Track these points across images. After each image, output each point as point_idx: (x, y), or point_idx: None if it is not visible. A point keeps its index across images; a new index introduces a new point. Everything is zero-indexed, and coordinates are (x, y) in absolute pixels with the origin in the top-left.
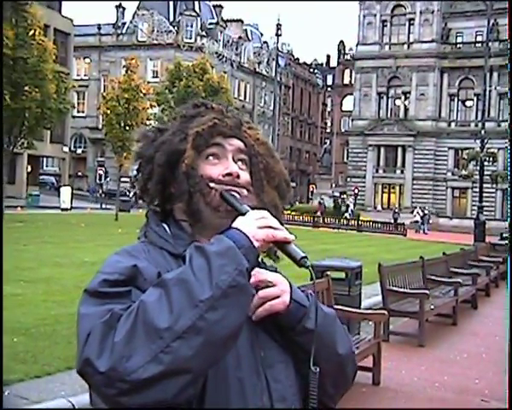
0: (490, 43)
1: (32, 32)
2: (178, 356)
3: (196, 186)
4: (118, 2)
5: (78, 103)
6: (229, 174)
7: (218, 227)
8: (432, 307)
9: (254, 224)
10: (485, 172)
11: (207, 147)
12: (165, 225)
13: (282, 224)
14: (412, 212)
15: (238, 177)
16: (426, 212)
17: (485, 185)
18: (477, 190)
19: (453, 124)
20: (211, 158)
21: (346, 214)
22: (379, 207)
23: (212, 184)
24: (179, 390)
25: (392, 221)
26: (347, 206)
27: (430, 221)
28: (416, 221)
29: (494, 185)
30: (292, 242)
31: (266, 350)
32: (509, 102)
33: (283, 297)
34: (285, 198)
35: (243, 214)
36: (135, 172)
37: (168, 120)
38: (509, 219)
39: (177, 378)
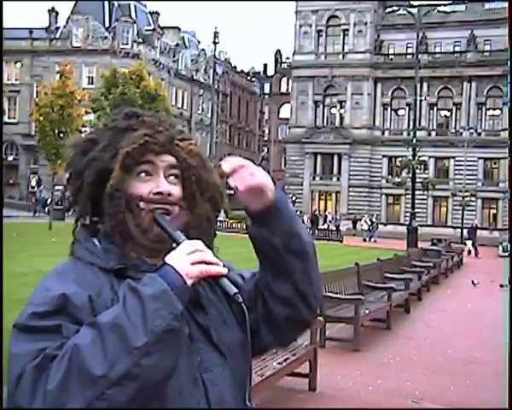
0: (419, 56)
1: None
2: (113, 402)
3: (120, 207)
4: (50, 6)
5: (9, 109)
6: (159, 193)
7: (148, 248)
8: (366, 311)
9: (187, 260)
10: (417, 180)
11: (138, 165)
12: (96, 240)
13: (215, 234)
14: (354, 219)
15: (169, 195)
16: (374, 220)
17: (416, 192)
18: (410, 196)
19: (387, 132)
20: (142, 175)
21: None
22: (316, 214)
23: (142, 204)
24: None
25: (334, 228)
26: (325, 217)
27: (379, 229)
28: (363, 229)
29: (425, 192)
30: (226, 275)
31: (203, 355)
32: (509, 106)
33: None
34: (218, 209)
35: (176, 242)
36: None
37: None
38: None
39: None
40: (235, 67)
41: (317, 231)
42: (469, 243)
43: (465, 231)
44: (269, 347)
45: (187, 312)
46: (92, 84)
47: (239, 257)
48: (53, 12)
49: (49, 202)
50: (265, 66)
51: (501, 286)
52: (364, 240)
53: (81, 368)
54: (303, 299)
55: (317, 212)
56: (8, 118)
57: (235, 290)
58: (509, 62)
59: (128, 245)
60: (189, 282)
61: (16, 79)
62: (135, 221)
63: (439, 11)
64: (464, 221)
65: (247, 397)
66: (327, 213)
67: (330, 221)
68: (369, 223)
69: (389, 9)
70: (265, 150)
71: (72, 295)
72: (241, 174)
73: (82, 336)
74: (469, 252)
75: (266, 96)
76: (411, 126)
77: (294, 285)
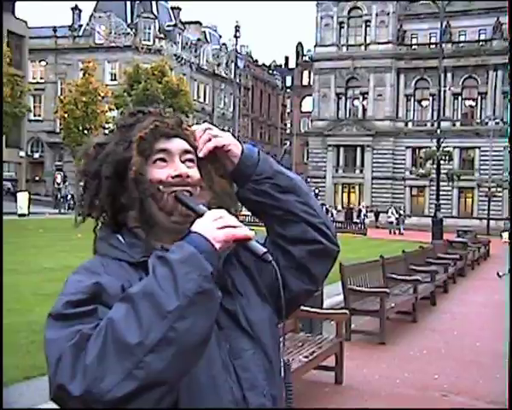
0: (443, 45)
1: None
2: (152, 370)
3: (147, 192)
4: (74, 4)
5: (35, 107)
6: (178, 176)
7: (174, 231)
8: (392, 304)
9: (213, 225)
10: (442, 171)
11: (153, 153)
12: (119, 236)
13: (238, 212)
14: (366, 211)
15: (188, 177)
16: (401, 212)
17: (441, 184)
18: (434, 188)
19: (410, 124)
20: (158, 162)
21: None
22: (339, 207)
23: (162, 188)
24: (157, 402)
25: (360, 221)
26: (359, 211)
27: (405, 221)
28: (391, 222)
29: (450, 183)
30: (252, 238)
31: (232, 341)
32: (510, 101)
33: (235, 144)
34: (233, 183)
35: (200, 215)
36: (80, 192)
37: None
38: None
39: (153, 392)
40: (256, 61)
41: (345, 225)
42: (505, 234)
43: (492, 222)
44: (302, 293)
45: None
46: (115, 80)
47: None
48: (76, 10)
49: (69, 198)
50: (287, 59)
51: (498, 275)
52: (391, 232)
53: (117, 339)
54: (316, 229)
55: (352, 206)
56: (34, 115)
57: (264, 250)
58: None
59: (153, 232)
60: (217, 245)
61: (41, 78)
62: (158, 205)
63: None
64: (490, 212)
65: (281, 373)
66: (361, 206)
67: (365, 215)
68: (397, 215)
69: None
70: (288, 143)
71: (106, 284)
72: (202, 141)
73: (115, 310)
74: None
75: (288, 90)
76: (435, 117)
77: (302, 220)
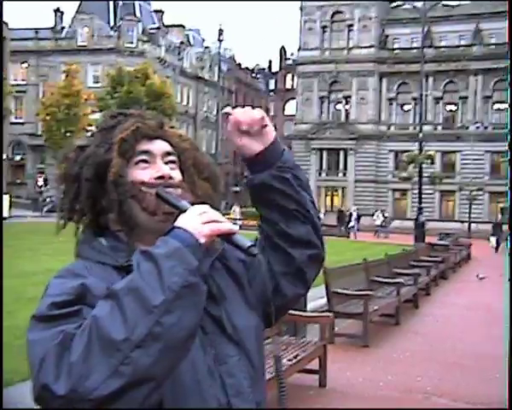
0: (425, 50)
1: None
2: (139, 366)
3: (127, 193)
4: (56, 6)
5: (16, 109)
6: (161, 177)
7: (157, 231)
8: (376, 307)
9: (197, 220)
10: (424, 174)
11: (135, 154)
12: (102, 239)
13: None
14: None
15: (170, 178)
16: (386, 215)
17: (423, 187)
18: (416, 191)
19: (393, 127)
20: (140, 164)
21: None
22: (322, 210)
23: (144, 189)
24: (144, 398)
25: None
26: (350, 214)
27: (390, 225)
28: (378, 224)
29: (432, 187)
30: (236, 232)
31: (217, 347)
32: (509, 104)
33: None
34: (218, 189)
35: (183, 211)
36: (61, 196)
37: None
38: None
39: (140, 388)
40: (239, 64)
41: (324, 228)
42: (493, 239)
43: (473, 225)
44: (295, 298)
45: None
46: (98, 83)
47: None
48: (58, 12)
49: (49, 200)
50: (270, 62)
51: (478, 277)
52: (376, 235)
53: (102, 336)
54: (317, 232)
55: (343, 208)
56: (15, 118)
57: (250, 243)
58: (509, 62)
59: (135, 234)
60: (202, 240)
61: (23, 80)
62: (141, 205)
63: (444, 5)
64: (472, 216)
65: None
66: (352, 210)
67: (356, 219)
68: (382, 218)
69: (394, 4)
70: None
71: (91, 285)
72: (243, 114)
73: (100, 308)
74: (496, 249)
75: (271, 93)
76: (417, 121)
77: (309, 221)
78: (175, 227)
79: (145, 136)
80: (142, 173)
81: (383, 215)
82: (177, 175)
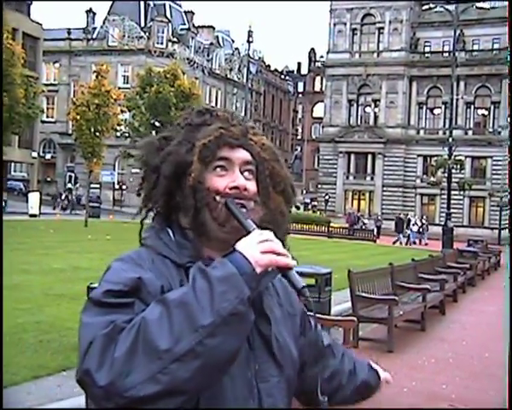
0: (456, 53)
1: None
2: (176, 378)
3: (203, 200)
4: (88, 7)
5: (48, 108)
6: (236, 187)
7: (223, 242)
8: (400, 312)
9: (258, 248)
10: (453, 180)
11: (214, 160)
12: (170, 231)
13: (288, 232)
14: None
15: (245, 189)
16: (424, 221)
17: (452, 192)
18: (445, 196)
19: (422, 131)
20: (218, 170)
21: (409, 230)
22: (401, 217)
23: (218, 198)
24: (175, 407)
25: (376, 229)
26: (409, 220)
27: (428, 231)
28: (415, 231)
29: (461, 192)
30: (293, 267)
31: (261, 364)
32: (509, 107)
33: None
34: (291, 203)
35: (247, 231)
36: (139, 181)
37: (139, 125)
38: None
39: (172, 398)
40: (268, 66)
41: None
42: None
43: (504, 232)
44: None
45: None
46: (128, 83)
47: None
48: (90, 13)
49: (84, 199)
50: (299, 64)
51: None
52: (413, 243)
53: (147, 341)
54: None
55: (401, 215)
56: (47, 117)
57: (303, 284)
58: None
59: (202, 239)
60: (258, 269)
61: (54, 79)
62: (212, 215)
63: (477, 7)
64: (502, 222)
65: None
66: (410, 216)
67: (422, 227)
68: (420, 224)
69: (425, 7)
70: (298, 149)
71: (147, 281)
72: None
73: (150, 311)
74: None
75: (300, 95)
76: (447, 125)
77: None
78: (235, 250)
79: (227, 143)
80: (219, 181)
81: (421, 221)
82: (251, 186)
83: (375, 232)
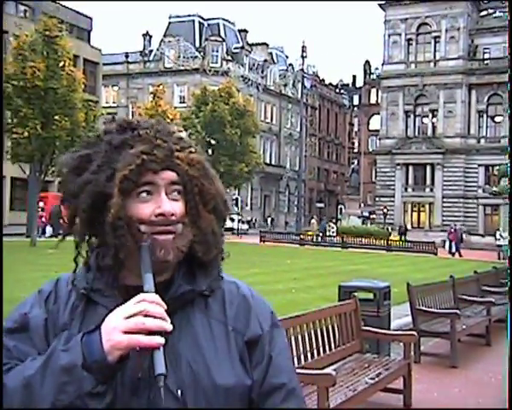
0: None
1: (62, 64)
2: None
3: (125, 238)
4: (145, 31)
5: None
6: (161, 214)
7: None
8: (463, 326)
9: (122, 326)
10: None
11: (137, 186)
12: (93, 256)
13: (221, 249)
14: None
15: (172, 215)
16: (504, 235)
17: None
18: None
19: (483, 140)
20: (142, 195)
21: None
22: (408, 227)
23: (143, 228)
24: None
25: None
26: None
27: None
28: (500, 245)
29: None
30: (159, 348)
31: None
32: (509, 115)
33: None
34: (223, 219)
35: (143, 285)
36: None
37: (196, 144)
38: None
39: None
40: (323, 80)
41: (409, 244)
42: None
43: None
44: None
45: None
46: (183, 102)
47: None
48: (147, 35)
49: None
50: (354, 77)
51: None
52: (499, 256)
53: None
54: None
55: (457, 227)
56: None
57: (160, 372)
58: (509, 69)
59: (126, 264)
60: (111, 358)
61: (113, 102)
62: (136, 245)
63: None
64: None
65: None
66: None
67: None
68: (504, 237)
69: (484, 12)
70: (355, 163)
71: (32, 317)
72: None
73: (12, 377)
74: None
75: (355, 108)
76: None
77: None
78: (97, 328)
79: (150, 170)
80: (143, 208)
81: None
82: (178, 209)
83: (452, 248)
